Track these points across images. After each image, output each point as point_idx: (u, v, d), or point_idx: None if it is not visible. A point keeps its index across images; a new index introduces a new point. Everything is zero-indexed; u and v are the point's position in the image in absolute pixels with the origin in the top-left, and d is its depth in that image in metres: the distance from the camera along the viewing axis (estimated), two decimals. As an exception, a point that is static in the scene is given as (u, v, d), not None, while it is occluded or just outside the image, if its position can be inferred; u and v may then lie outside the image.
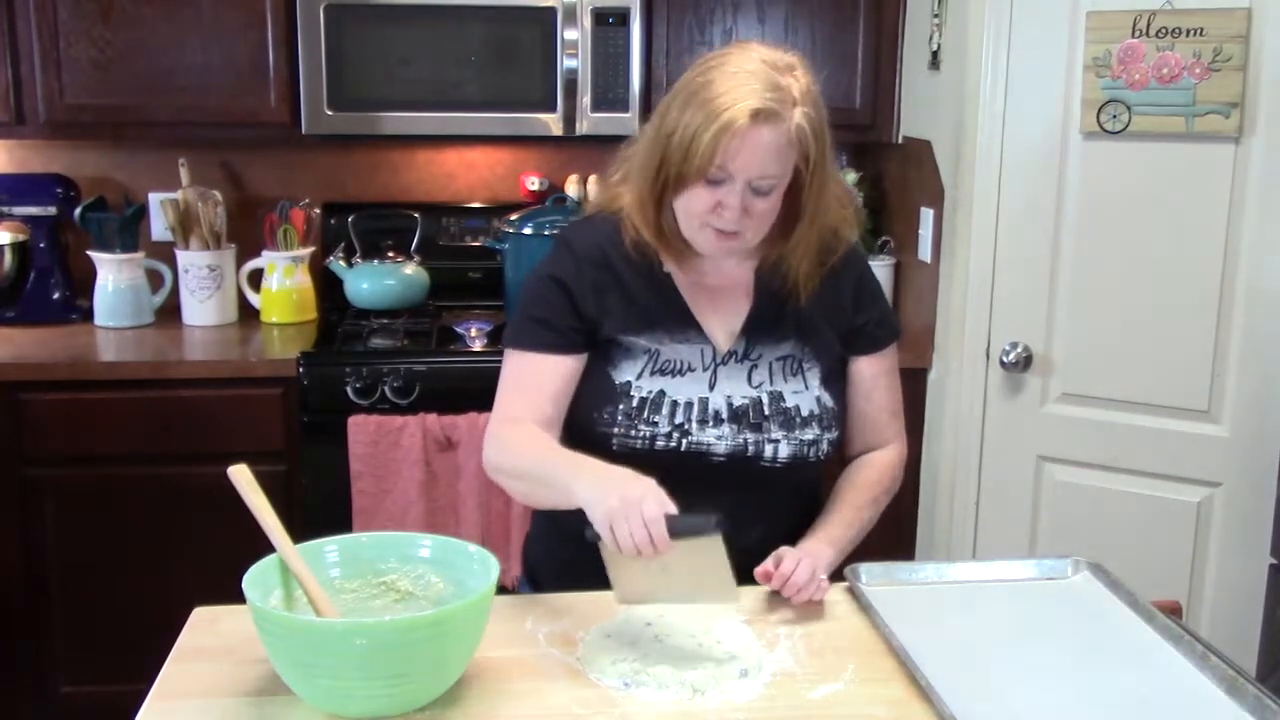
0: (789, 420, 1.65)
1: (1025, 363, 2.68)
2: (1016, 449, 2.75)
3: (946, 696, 1.30)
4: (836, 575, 1.64)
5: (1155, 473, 2.59)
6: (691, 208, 1.57)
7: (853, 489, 1.73)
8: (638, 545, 1.37)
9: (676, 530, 1.38)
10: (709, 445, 1.63)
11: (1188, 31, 2.40)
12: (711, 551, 1.42)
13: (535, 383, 1.64)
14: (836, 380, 1.73)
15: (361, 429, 2.74)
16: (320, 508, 2.75)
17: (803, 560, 1.55)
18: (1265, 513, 2.35)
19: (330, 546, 1.44)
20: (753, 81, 1.52)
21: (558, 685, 1.37)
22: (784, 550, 1.58)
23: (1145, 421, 2.59)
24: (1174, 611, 1.56)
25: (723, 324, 1.68)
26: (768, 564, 1.57)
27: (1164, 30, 2.42)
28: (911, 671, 1.37)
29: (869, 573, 1.63)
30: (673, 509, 1.39)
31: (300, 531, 1.43)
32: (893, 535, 2.99)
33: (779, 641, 1.48)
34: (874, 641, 1.48)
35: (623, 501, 1.38)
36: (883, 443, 1.79)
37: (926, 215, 2.95)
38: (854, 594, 1.59)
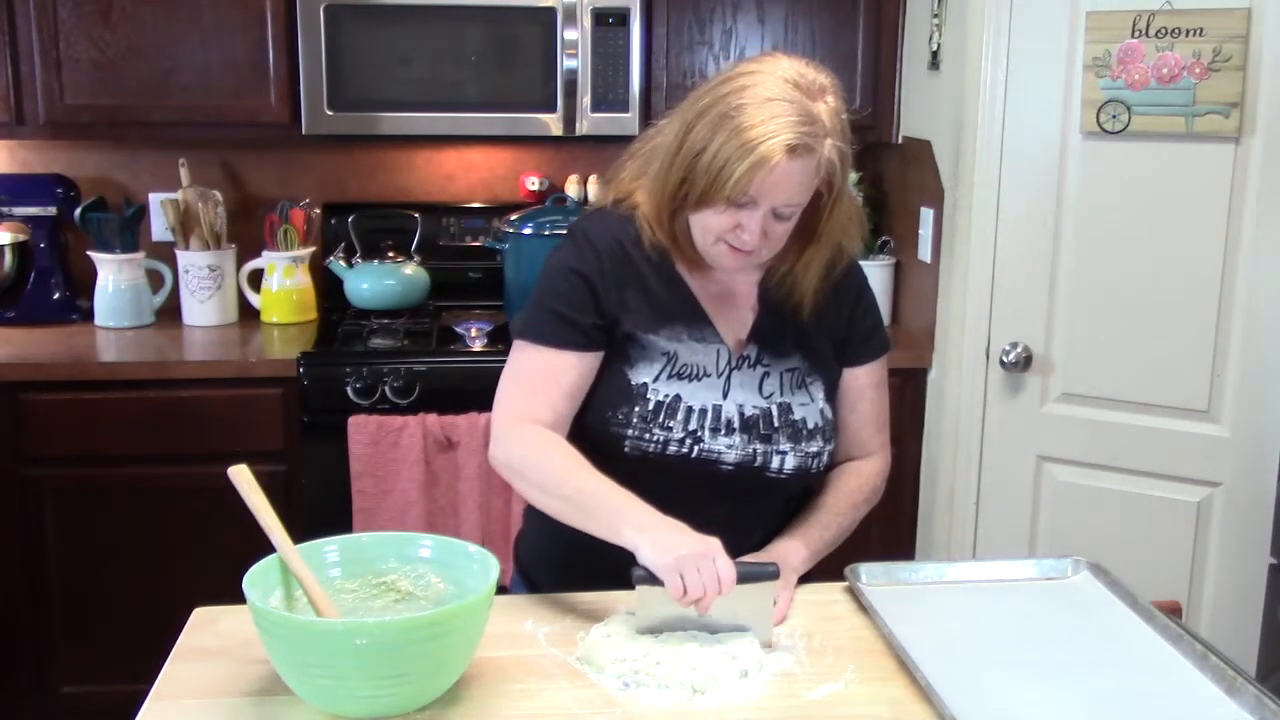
0: (796, 432, 1.65)
1: (1025, 363, 2.68)
2: (1016, 449, 2.74)
3: (946, 696, 1.30)
4: (832, 575, 1.64)
5: (1155, 473, 2.59)
6: (710, 225, 1.56)
7: (834, 494, 1.73)
8: (706, 588, 1.39)
9: (740, 577, 1.42)
10: (719, 454, 1.62)
11: (1187, 31, 2.40)
12: (761, 595, 1.46)
13: (553, 380, 1.60)
14: (836, 393, 1.74)
15: (361, 429, 2.74)
16: (320, 508, 2.75)
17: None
18: (1265, 513, 2.35)
19: (330, 546, 1.44)
20: (788, 112, 1.48)
21: (558, 685, 1.37)
22: None
23: (1145, 421, 2.59)
24: (1174, 611, 1.56)
25: (730, 331, 1.68)
26: None
27: (1164, 30, 2.42)
28: (911, 671, 1.37)
29: (869, 573, 1.63)
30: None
31: (300, 531, 1.43)
32: (893, 535, 2.99)
33: (779, 641, 1.48)
34: (874, 641, 1.48)
35: (695, 555, 1.40)
36: (866, 454, 1.78)
37: (926, 215, 2.95)
38: (854, 594, 1.59)
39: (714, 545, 1.42)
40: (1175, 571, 2.58)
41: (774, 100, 1.48)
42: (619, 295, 1.63)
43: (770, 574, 1.47)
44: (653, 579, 1.42)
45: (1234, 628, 2.48)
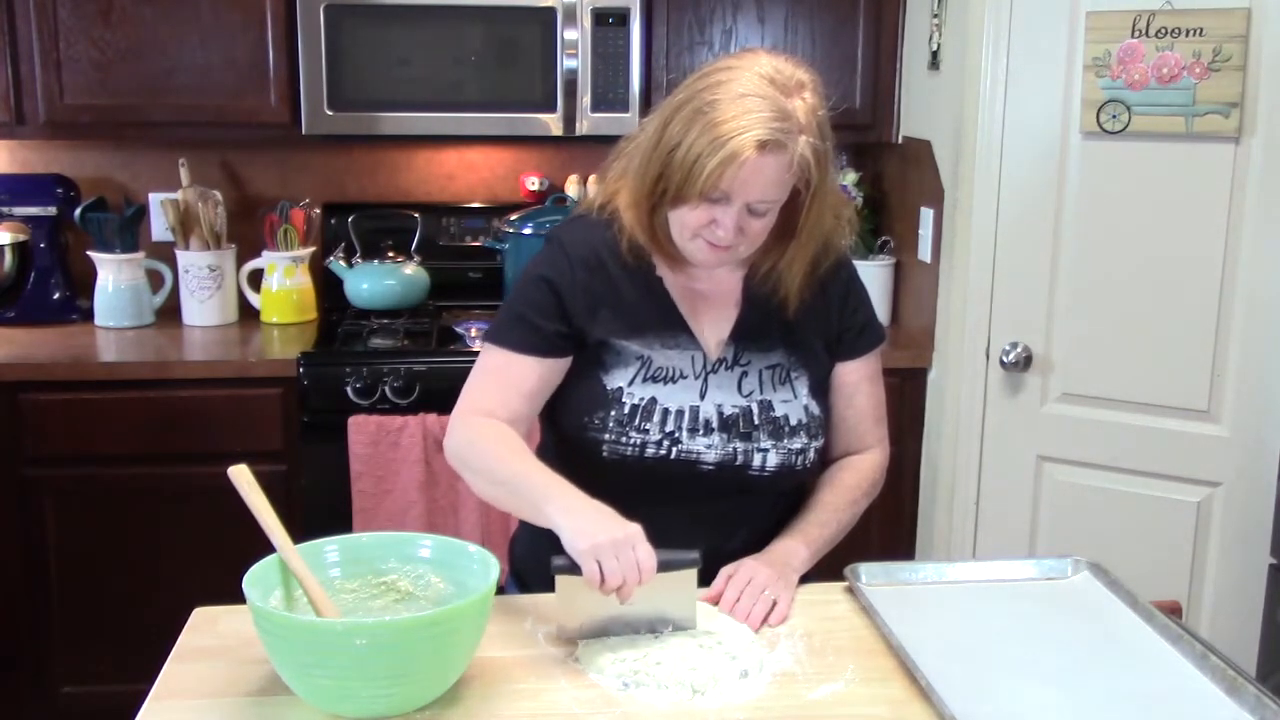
0: (778, 429, 1.65)
1: (1025, 363, 2.68)
2: (1016, 449, 2.74)
3: (946, 696, 1.30)
4: (832, 575, 1.64)
5: (1155, 473, 2.59)
6: (686, 221, 1.56)
7: (832, 490, 1.72)
8: (625, 579, 1.39)
9: (660, 565, 1.42)
10: (698, 454, 1.62)
11: (1187, 31, 2.40)
12: (683, 583, 1.46)
13: (511, 380, 1.62)
14: (824, 389, 1.73)
15: (361, 429, 2.74)
16: (320, 508, 2.75)
17: (747, 588, 1.54)
18: (1265, 513, 2.35)
19: (330, 546, 1.44)
20: (760, 108, 1.47)
21: (558, 685, 1.37)
22: (733, 568, 1.57)
23: (1145, 421, 2.59)
24: (1174, 611, 1.56)
25: (712, 330, 1.67)
26: (718, 583, 1.56)
27: (1164, 30, 2.42)
28: (911, 671, 1.37)
29: (869, 573, 1.63)
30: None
31: (300, 531, 1.43)
32: (893, 535, 2.99)
33: (779, 641, 1.48)
34: (874, 641, 1.48)
35: (613, 542, 1.39)
36: (864, 448, 1.78)
37: (926, 215, 2.95)
38: (854, 594, 1.59)
39: (634, 532, 1.41)
40: (1175, 571, 2.58)
41: (747, 96, 1.48)
42: (589, 304, 1.64)
43: (690, 562, 1.47)
44: (573, 569, 1.41)
45: (1234, 628, 2.48)
